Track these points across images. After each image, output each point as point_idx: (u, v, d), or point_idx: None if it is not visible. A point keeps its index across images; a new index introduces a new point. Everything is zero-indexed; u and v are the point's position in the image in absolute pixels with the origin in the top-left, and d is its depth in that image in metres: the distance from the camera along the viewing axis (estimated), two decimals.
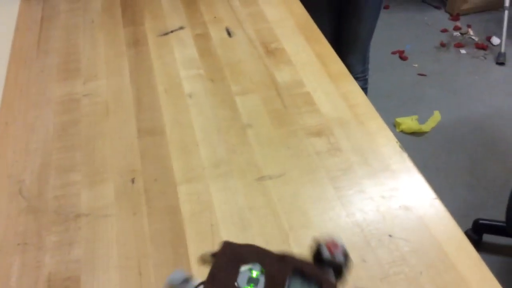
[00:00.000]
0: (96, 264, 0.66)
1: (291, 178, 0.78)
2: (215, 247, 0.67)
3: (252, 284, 0.45)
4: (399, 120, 2.05)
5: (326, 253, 0.48)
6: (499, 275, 1.56)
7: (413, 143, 2.02)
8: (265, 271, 0.46)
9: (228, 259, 0.48)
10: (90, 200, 0.74)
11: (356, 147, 0.83)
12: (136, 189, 0.76)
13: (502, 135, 2.05)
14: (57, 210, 0.73)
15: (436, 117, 2.09)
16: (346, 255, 0.49)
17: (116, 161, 0.81)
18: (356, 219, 0.71)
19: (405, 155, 0.81)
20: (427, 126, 2.05)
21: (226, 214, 0.73)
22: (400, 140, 0.86)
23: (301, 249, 0.67)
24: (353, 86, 0.95)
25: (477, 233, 1.67)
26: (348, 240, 0.68)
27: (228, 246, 0.50)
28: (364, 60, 1.64)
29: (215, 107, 0.92)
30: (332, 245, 0.47)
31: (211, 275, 0.47)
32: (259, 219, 0.71)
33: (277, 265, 0.46)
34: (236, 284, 0.45)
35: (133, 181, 0.77)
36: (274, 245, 0.68)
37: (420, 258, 0.66)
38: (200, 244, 0.68)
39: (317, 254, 0.48)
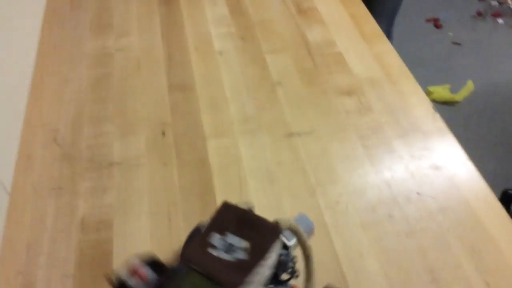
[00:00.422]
0: (128, 209, 0.68)
1: (320, 135, 0.78)
2: (243, 198, 0.69)
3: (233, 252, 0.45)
4: (430, 88, 2.01)
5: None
6: None
7: (444, 112, 1.98)
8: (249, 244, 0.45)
9: (221, 223, 0.47)
10: (122, 150, 0.76)
11: (387, 107, 0.82)
12: (167, 141, 0.78)
13: None
14: (90, 158, 0.75)
15: (469, 87, 2.04)
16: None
17: (147, 114, 0.82)
18: (384, 176, 0.71)
19: (437, 116, 0.79)
20: (459, 96, 2.00)
21: (254, 168, 0.73)
22: None
23: (328, 203, 0.68)
24: (387, 47, 0.93)
25: (505, 203, 1.64)
26: (375, 196, 0.68)
27: (225, 207, 0.49)
28: (389, 28, 1.59)
29: (245, 65, 0.92)
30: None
31: (203, 236, 0.47)
32: (286, 174, 0.72)
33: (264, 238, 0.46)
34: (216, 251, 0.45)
35: (163, 133, 0.79)
36: (302, 199, 0.68)
37: (448, 216, 0.65)
38: (228, 195, 0.69)
39: None
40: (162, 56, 0.94)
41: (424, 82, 2.05)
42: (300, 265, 0.49)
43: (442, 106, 2.00)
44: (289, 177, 0.72)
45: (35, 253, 0.64)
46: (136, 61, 0.93)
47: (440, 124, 0.78)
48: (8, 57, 0.80)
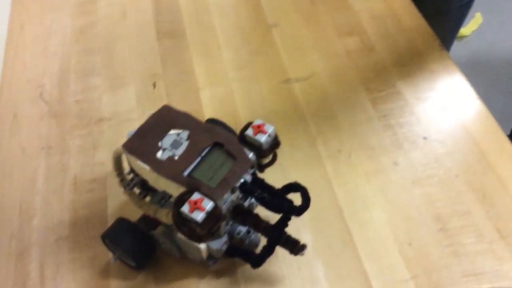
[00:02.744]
0: None
1: (320, 80, 0.73)
2: None
3: (173, 147, 0.48)
4: None
5: (249, 132, 0.49)
6: None
7: (451, 48, 1.91)
8: (190, 138, 0.48)
9: (161, 121, 0.50)
10: (112, 104, 0.72)
11: (391, 46, 0.76)
12: (158, 93, 0.73)
13: None
14: (79, 114, 0.71)
15: (477, 19, 1.95)
16: (273, 141, 0.50)
17: (136, 65, 0.77)
18: (388, 121, 0.67)
19: (445, 53, 0.74)
20: (467, 30, 1.92)
21: (250, 118, 0.69)
22: None
23: (329, 152, 0.64)
24: None
25: None
26: (379, 143, 0.65)
27: (165, 110, 0.52)
28: None
29: (238, 7, 0.86)
30: (259, 127, 0.48)
31: (140, 130, 0.49)
32: (284, 123, 0.68)
33: (202, 135, 0.48)
34: (159, 144, 0.48)
35: (154, 85, 0.74)
36: (301, 148, 0.65)
37: (457, 160, 0.62)
38: None
39: (243, 133, 0.50)
40: (149, 4, 0.87)
41: None
42: None
43: None
44: (287, 127, 0.68)
45: (27, 216, 0.62)
46: (122, 7, 0.87)
47: (448, 62, 0.73)
48: None
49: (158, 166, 0.45)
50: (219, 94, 0.73)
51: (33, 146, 0.68)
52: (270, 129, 0.48)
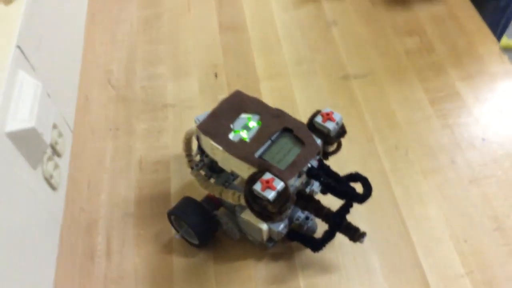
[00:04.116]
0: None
1: (378, 78, 0.75)
2: None
3: (244, 130, 0.50)
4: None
5: (318, 119, 0.51)
6: None
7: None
8: (260, 123, 0.50)
9: (233, 105, 0.52)
10: (175, 92, 0.76)
11: (450, 47, 0.77)
12: (219, 83, 0.76)
13: None
14: (144, 99, 0.75)
15: None
16: (340, 129, 0.52)
17: (199, 56, 0.81)
18: (446, 121, 0.68)
19: (505, 58, 0.74)
20: None
21: (309, 111, 0.71)
22: None
23: (387, 149, 0.65)
24: None
25: None
26: (436, 142, 0.66)
27: (237, 94, 0.54)
28: None
29: (298, 3, 0.88)
30: (328, 115, 0.51)
31: (213, 113, 0.51)
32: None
33: (272, 120, 0.50)
34: (231, 126, 0.50)
35: (216, 75, 0.77)
36: (359, 144, 0.67)
37: None
38: None
39: (312, 120, 0.52)
40: None
41: None
42: None
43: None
44: (345, 121, 0.69)
45: (96, 191, 0.66)
46: (186, 1, 0.90)
47: (508, 66, 0.73)
48: None
49: (231, 147, 0.48)
50: (278, 86, 0.75)
51: (101, 127, 0.72)
52: (338, 117, 0.50)
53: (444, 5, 0.83)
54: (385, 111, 0.70)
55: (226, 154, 0.48)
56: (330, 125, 0.50)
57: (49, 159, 0.58)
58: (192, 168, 0.56)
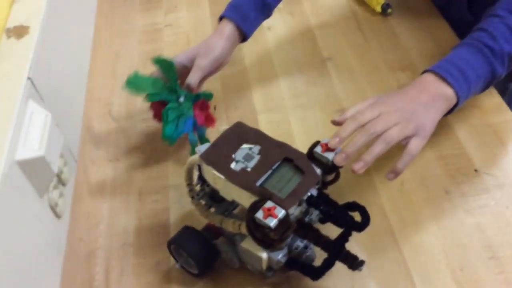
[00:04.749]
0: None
1: None
2: None
3: (246, 160, 0.51)
4: None
5: (318, 149, 0.53)
6: None
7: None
8: (261, 153, 0.52)
9: (235, 135, 0.54)
10: None
11: None
12: (219, 115, 0.78)
13: None
14: (144, 131, 0.76)
15: None
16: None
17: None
18: (440, 153, 0.70)
19: (493, 91, 0.77)
20: None
21: (306, 143, 0.73)
22: None
23: (382, 180, 0.67)
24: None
25: None
26: (430, 173, 0.67)
27: (239, 126, 0.56)
28: None
29: (294, 40, 0.91)
30: (327, 145, 0.53)
31: (215, 143, 0.53)
32: None
33: (273, 150, 0.53)
34: (233, 155, 0.52)
35: (215, 107, 0.79)
36: (356, 176, 0.68)
37: (507, 192, 0.64)
38: None
39: (312, 150, 0.54)
40: (210, 31, 0.93)
41: None
42: None
43: None
44: None
45: (95, 221, 0.66)
46: (185, 36, 0.93)
47: (498, 99, 0.76)
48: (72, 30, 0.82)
49: (233, 176, 0.49)
50: (276, 119, 0.77)
51: (102, 157, 0.74)
52: (337, 148, 0.52)
53: (433, 42, 0.86)
54: None
55: (228, 183, 0.50)
56: (329, 155, 0.51)
57: (55, 187, 0.59)
58: (192, 197, 0.57)
